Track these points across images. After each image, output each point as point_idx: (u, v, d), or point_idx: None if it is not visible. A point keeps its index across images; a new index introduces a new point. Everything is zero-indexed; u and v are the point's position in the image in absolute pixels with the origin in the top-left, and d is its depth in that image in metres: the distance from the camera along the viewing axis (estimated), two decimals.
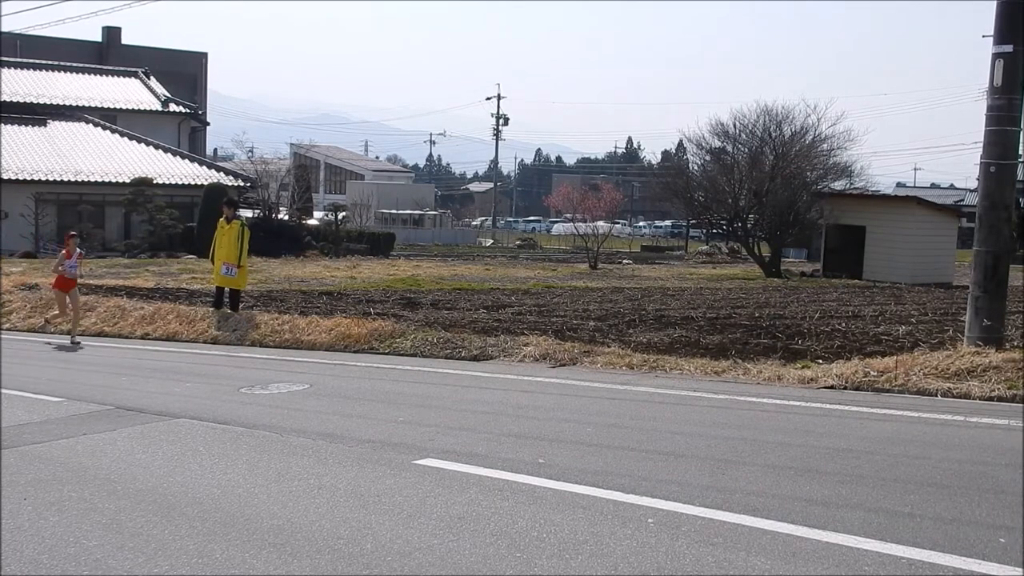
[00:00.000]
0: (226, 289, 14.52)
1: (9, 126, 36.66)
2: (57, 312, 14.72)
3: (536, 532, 4.62)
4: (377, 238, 40.94)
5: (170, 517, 4.99)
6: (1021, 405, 7.55)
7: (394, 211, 65.32)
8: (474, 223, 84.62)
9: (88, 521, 4.95)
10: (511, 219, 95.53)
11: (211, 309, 14.58)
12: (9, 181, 32.84)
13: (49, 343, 13.91)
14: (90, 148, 37.31)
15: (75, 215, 33.70)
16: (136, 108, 43.92)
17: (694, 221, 43.36)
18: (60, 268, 14.15)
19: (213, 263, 14.66)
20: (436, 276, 24.64)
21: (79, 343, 13.79)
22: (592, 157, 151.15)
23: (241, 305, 15.02)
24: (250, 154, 47.14)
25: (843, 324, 13.69)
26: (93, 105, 42.40)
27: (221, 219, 14.64)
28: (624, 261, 38.91)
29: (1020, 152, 10.03)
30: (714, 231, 40.92)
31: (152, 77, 47.85)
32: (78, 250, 14.54)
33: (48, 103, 41.59)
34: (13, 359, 11.73)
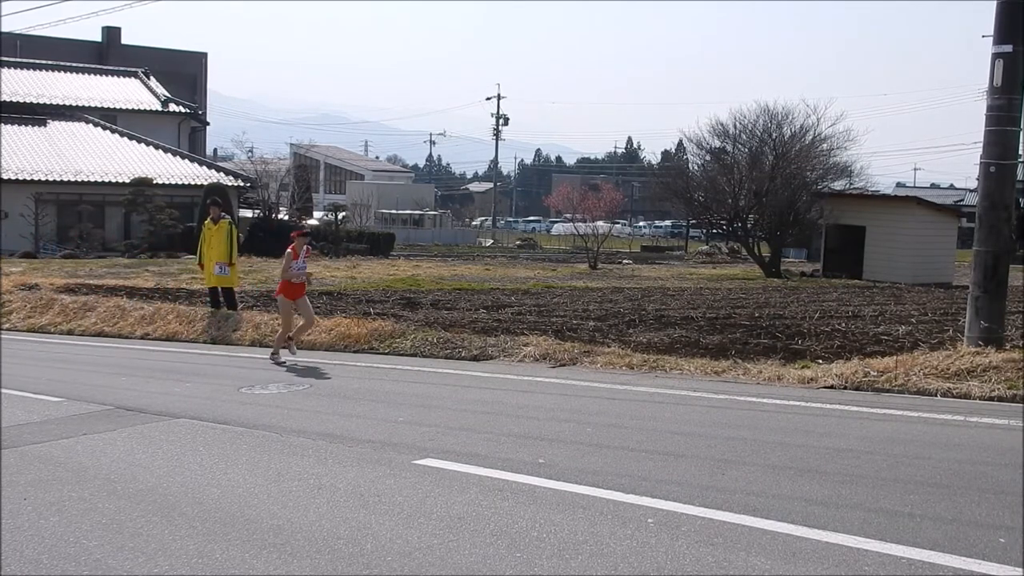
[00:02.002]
0: (219, 288, 14.57)
1: (9, 126, 36.65)
2: (282, 330, 11.59)
3: (536, 532, 4.62)
4: (377, 238, 40.94)
5: (170, 517, 4.99)
6: (1021, 405, 7.55)
7: (394, 211, 65.31)
8: (474, 223, 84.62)
9: (88, 521, 4.95)
10: (511, 219, 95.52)
11: (210, 310, 14.60)
12: (9, 181, 32.83)
13: (283, 362, 11.10)
14: (90, 148, 37.31)
15: (75, 215, 33.72)
16: (136, 108, 43.90)
17: (694, 221, 43.37)
18: (288, 272, 11.34)
19: (202, 266, 14.70)
20: (436, 276, 24.63)
21: (294, 356, 11.37)
22: (592, 157, 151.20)
23: (240, 304, 15.05)
24: (250, 154, 47.16)
25: (843, 324, 13.69)
26: (93, 105, 42.40)
27: (207, 220, 14.68)
28: (624, 261, 38.91)
29: (1020, 152, 10.03)
30: (714, 231, 40.93)
31: (152, 77, 47.85)
32: (306, 246, 11.65)
33: (48, 103, 41.58)
34: (21, 359, 11.74)
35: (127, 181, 34.19)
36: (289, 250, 11.50)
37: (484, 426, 7.24)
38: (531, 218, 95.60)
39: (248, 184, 38.06)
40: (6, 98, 40.28)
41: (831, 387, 8.55)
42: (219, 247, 14.25)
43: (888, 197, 38.65)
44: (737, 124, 31.36)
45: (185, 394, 9.09)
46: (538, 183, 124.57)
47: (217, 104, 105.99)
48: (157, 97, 45.43)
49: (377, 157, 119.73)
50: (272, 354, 11.35)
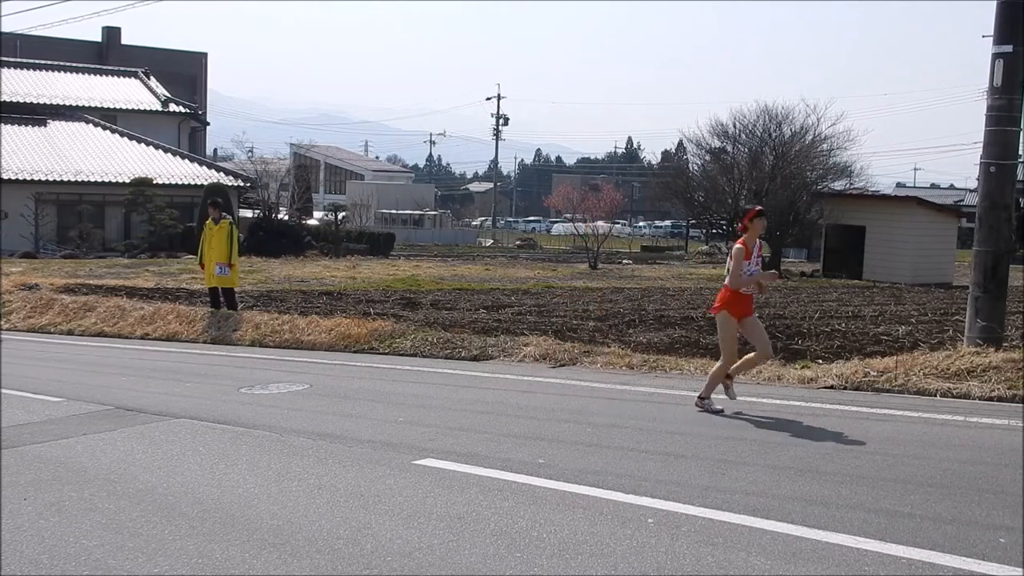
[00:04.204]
0: (219, 289, 14.59)
1: (9, 126, 36.66)
2: (721, 362, 7.73)
3: (536, 532, 4.61)
4: (377, 238, 40.93)
5: (170, 517, 4.99)
6: (1021, 405, 7.55)
7: (394, 211, 65.33)
8: (474, 223, 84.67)
9: (88, 521, 4.95)
10: (511, 219, 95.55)
11: (210, 310, 14.61)
12: (9, 181, 32.85)
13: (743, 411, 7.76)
14: (90, 148, 37.31)
15: (75, 215, 33.73)
16: (136, 108, 43.92)
17: (694, 221, 43.38)
18: (739, 278, 7.47)
19: (203, 266, 14.73)
20: (436, 276, 24.63)
21: (734, 399, 7.86)
22: (592, 157, 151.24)
23: (240, 304, 15.06)
24: (250, 154, 47.18)
25: (843, 324, 13.68)
26: (93, 105, 42.41)
27: (208, 220, 14.71)
28: (624, 261, 38.89)
29: (1020, 152, 10.03)
30: (714, 231, 40.92)
31: (152, 77, 47.87)
32: (759, 240, 7.75)
33: (48, 103, 41.60)
34: (21, 359, 11.73)
35: (127, 181, 34.22)
36: (739, 244, 7.51)
37: (484, 426, 7.24)
38: (531, 218, 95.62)
39: (248, 184, 38.07)
40: (6, 98, 40.29)
41: (831, 387, 8.55)
42: (219, 247, 14.27)
43: (888, 197, 38.63)
44: (737, 124, 31.45)
45: (185, 394, 9.09)
46: (538, 183, 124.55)
47: (217, 104, 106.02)
48: (157, 97, 45.45)
49: (377, 157, 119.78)
50: (700, 398, 7.77)
